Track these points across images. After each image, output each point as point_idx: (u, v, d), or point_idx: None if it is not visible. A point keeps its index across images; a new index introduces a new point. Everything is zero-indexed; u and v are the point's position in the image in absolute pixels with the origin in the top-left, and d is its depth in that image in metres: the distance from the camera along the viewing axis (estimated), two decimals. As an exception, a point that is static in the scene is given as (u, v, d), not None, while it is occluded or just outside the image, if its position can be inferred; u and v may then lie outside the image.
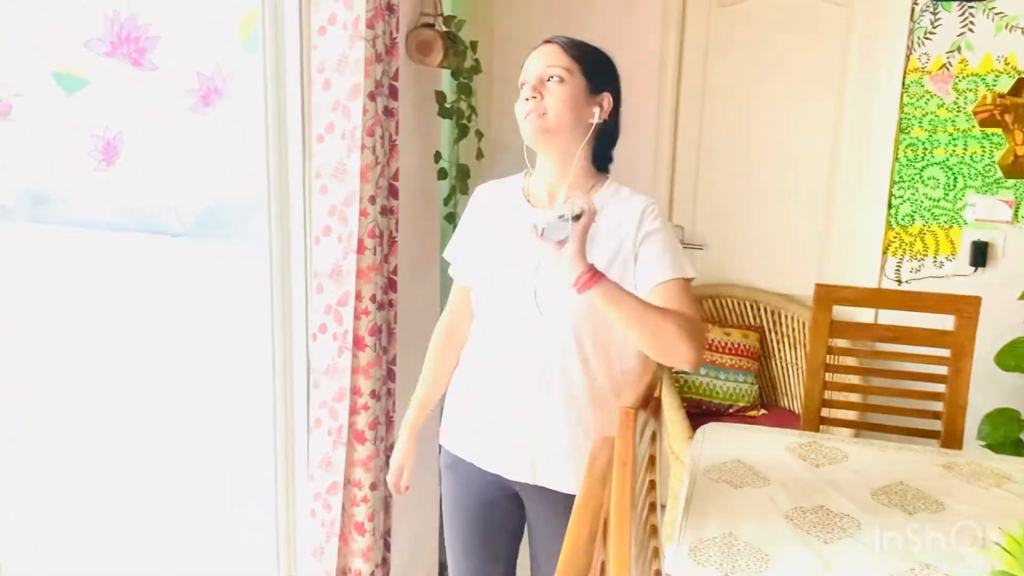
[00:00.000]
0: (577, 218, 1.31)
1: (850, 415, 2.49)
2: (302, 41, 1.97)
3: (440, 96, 2.38)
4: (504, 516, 1.72)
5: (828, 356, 2.25)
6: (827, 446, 2.00)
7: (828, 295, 2.21)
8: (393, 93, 2.04)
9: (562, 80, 1.51)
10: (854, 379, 2.53)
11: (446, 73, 2.49)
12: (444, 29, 2.24)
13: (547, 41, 1.57)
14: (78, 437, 2.38)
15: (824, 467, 1.89)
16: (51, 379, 2.38)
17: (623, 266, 1.51)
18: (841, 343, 2.44)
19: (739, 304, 3.12)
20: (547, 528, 1.65)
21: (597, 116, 1.54)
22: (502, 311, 1.61)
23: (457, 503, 1.74)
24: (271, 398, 2.11)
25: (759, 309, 3.09)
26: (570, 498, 1.53)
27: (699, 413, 2.90)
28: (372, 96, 1.94)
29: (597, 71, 1.56)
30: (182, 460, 2.37)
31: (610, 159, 1.64)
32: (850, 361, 2.61)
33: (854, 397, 2.54)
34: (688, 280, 1.51)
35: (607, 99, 1.56)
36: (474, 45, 2.46)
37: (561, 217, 1.31)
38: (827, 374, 2.26)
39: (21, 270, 2.39)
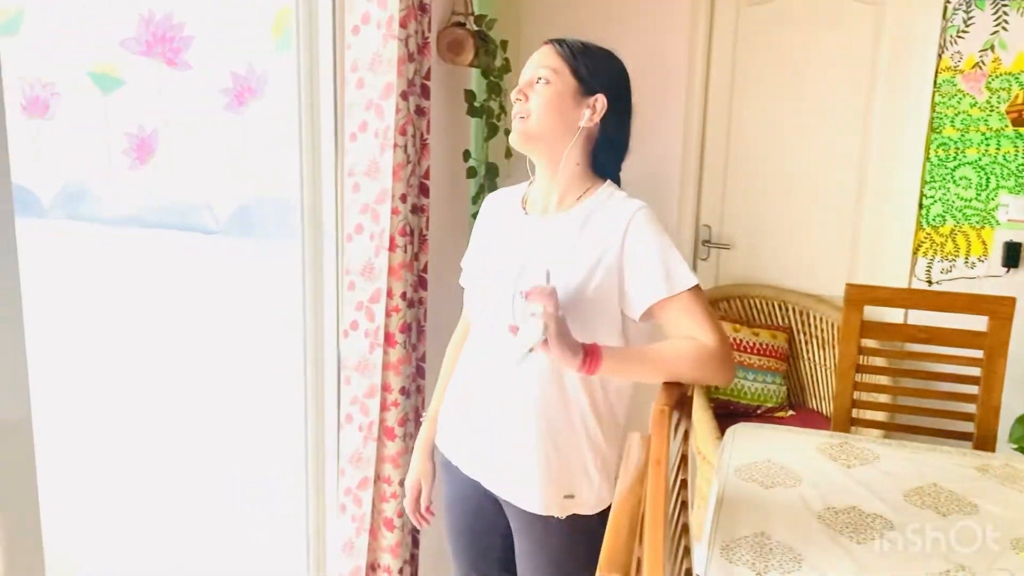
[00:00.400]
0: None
1: (880, 416, 2.47)
2: (335, 40, 1.99)
3: (470, 95, 2.39)
4: (492, 519, 1.64)
5: (859, 357, 2.23)
6: (858, 447, 1.98)
7: (860, 295, 2.20)
8: (425, 92, 2.05)
9: (548, 82, 1.46)
10: (884, 380, 2.51)
11: (474, 72, 2.50)
12: (475, 28, 2.25)
13: (546, 42, 1.52)
14: (111, 432, 2.41)
15: (855, 468, 1.88)
16: (84, 374, 2.41)
17: (606, 275, 1.43)
18: (871, 344, 2.42)
19: (767, 304, 3.10)
20: (524, 542, 1.59)
21: (587, 119, 1.47)
22: (482, 320, 1.58)
23: (449, 502, 1.70)
24: (302, 394, 2.13)
25: (787, 309, 3.07)
26: (543, 518, 1.52)
27: (726, 414, 2.89)
28: (404, 95, 1.95)
29: (591, 72, 1.47)
30: (213, 455, 2.40)
31: (616, 167, 1.56)
32: (880, 362, 2.59)
33: (883, 398, 2.52)
34: (689, 291, 1.41)
35: (600, 101, 1.47)
36: (504, 44, 2.46)
37: (533, 315, 1.31)
38: (857, 375, 2.25)
39: (57, 267, 2.42)
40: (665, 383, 1.42)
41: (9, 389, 1.24)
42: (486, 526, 1.66)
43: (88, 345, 2.42)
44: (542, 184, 1.54)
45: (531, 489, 1.52)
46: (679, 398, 1.41)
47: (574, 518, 1.53)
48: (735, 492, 1.77)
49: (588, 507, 1.54)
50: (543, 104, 1.45)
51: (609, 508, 1.54)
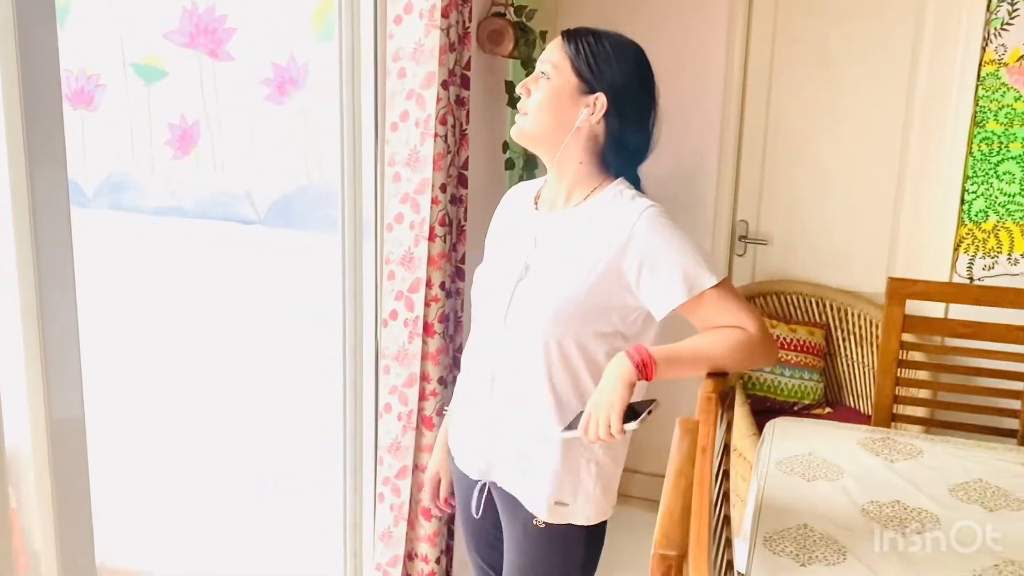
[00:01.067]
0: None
1: (921, 412, 2.44)
2: (376, 30, 2.00)
3: (509, 86, 2.39)
4: (487, 512, 1.62)
5: (900, 352, 2.21)
6: (901, 442, 1.96)
7: (902, 289, 2.17)
8: (465, 82, 2.06)
9: (548, 78, 1.41)
10: (923, 375, 2.48)
11: (511, 63, 2.50)
12: (515, 19, 2.25)
13: (560, 33, 1.47)
14: (146, 422, 2.44)
15: (898, 462, 1.86)
16: (125, 364, 2.45)
17: (606, 276, 1.39)
18: (912, 339, 2.39)
19: (804, 300, 3.07)
20: (507, 539, 1.58)
21: (583, 118, 1.40)
22: (481, 312, 1.56)
23: (456, 491, 1.71)
24: (341, 383, 2.14)
25: (825, 306, 3.04)
26: (523, 518, 1.52)
27: (763, 410, 2.87)
28: (445, 85, 1.95)
29: (594, 68, 1.39)
30: (251, 444, 2.42)
31: (629, 166, 1.48)
32: (919, 357, 2.55)
33: (923, 393, 2.49)
34: (714, 288, 1.36)
35: (599, 100, 1.39)
36: (543, 35, 2.46)
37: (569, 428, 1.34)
38: (899, 370, 2.23)
39: (100, 256, 2.46)
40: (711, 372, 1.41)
41: (65, 389, 1.26)
42: (488, 526, 1.65)
43: (129, 335, 2.45)
44: (552, 180, 1.52)
45: (521, 485, 1.51)
46: (724, 388, 1.40)
47: (553, 525, 1.50)
48: (776, 485, 1.75)
49: (580, 518, 1.50)
50: (539, 101, 1.41)
51: (602, 524, 1.54)
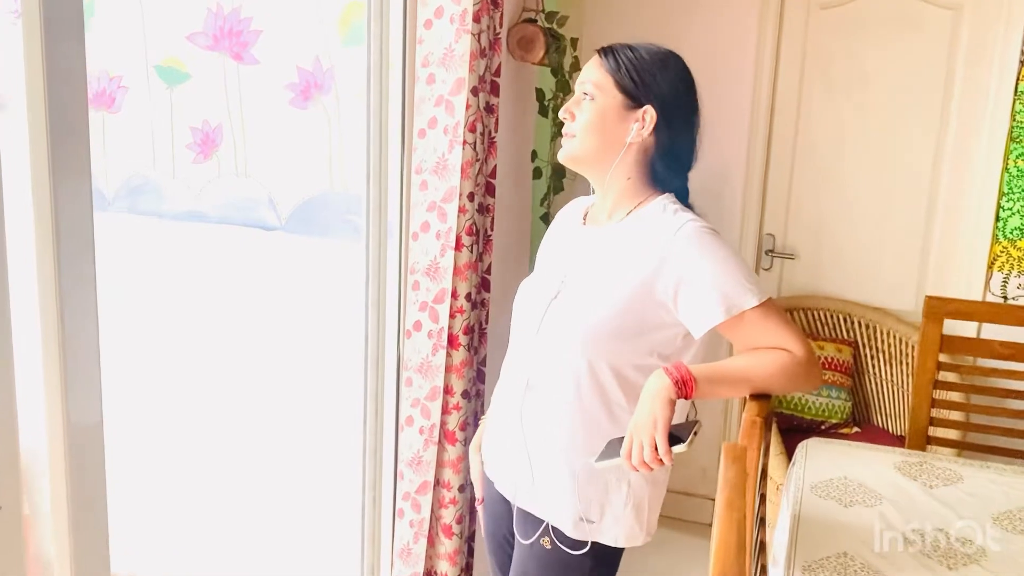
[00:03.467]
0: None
1: (953, 434, 2.37)
2: (406, 34, 1.96)
3: (540, 94, 2.34)
4: (509, 527, 1.57)
5: (937, 372, 2.14)
6: (938, 466, 1.90)
7: (940, 307, 2.11)
8: (495, 89, 2.01)
9: (592, 98, 1.39)
10: (955, 396, 2.42)
11: (540, 70, 2.45)
12: (546, 25, 2.21)
13: (596, 51, 1.44)
14: (166, 430, 2.40)
15: (938, 488, 1.79)
16: (142, 372, 2.41)
17: (641, 291, 1.34)
18: (947, 359, 2.33)
19: (832, 317, 3.01)
20: (516, 552, 1.54)
21: (634, 133, 1.37)
22: (517, 325, 1.52)
23: (485, 505, 1.67)
24: (362, 395, 2.09)
25: (853, 323, 2.98)
26: (536, 531, 1.46)
27: (789, 429, 2.81)
28: (475, 91, 1.91)
29: (638, 82, 1.37)
30: (269, 455, 2.37)
31: (678, 179, 1.45)
32: (952, 378, 2.49)
33: (955, 415, 2.42)
34: (755, 308, 1.30)
35: (649, 113, 1.37)
36: (574, 42, 2.42)
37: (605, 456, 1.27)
38: (935, 391, 2.16)
39: (119, 261, 2.42)
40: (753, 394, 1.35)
41: (84, 395, 1.22)
42: (505, 534, 1.61)
43: (149, 341, 2.42)
44: (599, 197, 1.49)
45: (543, 501, 1.46)
46: (768, 409, 1.34)
47: (560, 549, 1.44)
48: (812, 510, 1.69)
49: (607, 537, 1.44)
50: (586, 123, 1.39)
51: (616, 552, 1.47)
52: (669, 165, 1.42)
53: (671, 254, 1.33)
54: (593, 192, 1.55)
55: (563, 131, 1.44)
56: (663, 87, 1.38)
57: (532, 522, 1.48)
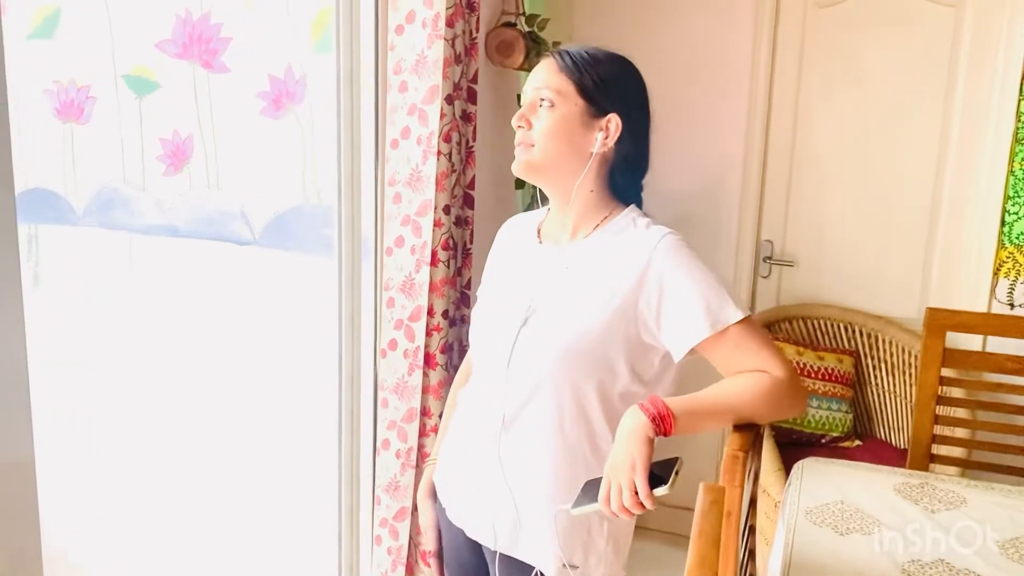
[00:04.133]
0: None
1: (956, 451, 2.27)
2: (377, 41, 1.87)
3: (521, 100, 2.25)
4: (477, 571, 1.48)
5: (939, 387, 2.05)
6: (941, 488, 1.80)
7: (942, 320, 2.02)
8: (472, 96, 1.92)
9: (552, 105, 1.28)
10: (960, 412, 2.32)
11: (523, 75, 2.36)
12: (526, 29, 2.12)
13: (547, 54, 1.33)
14: (134, 448, 2.32)
15: (940, 512, 1.70)
16: (111, 391, 2.34)
17: (621, 311, 1.26)
18: (951, 373, 2.23)
19: (832, 326, 2.91)
20: None
21: (599, 143, 1.29)
22: (484, 358, 1.41)
23: (445, 550, 1.55)
24: (336, 417, 2.00)
25: (854, 332, 2.88)
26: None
27: (788, 443, 2.71)
28: (450, 99, 1.82)
29: (601, 89, 1.28)
30: (240, 478, 2.29)
31: (637, 189, 1.38)
32: (956, 393, 2.39)
33: (959, 432, 2.32)
34: (738, 324, 1.23)
35: (614, 121, 1.28)
36: (556, 46, 2.32)
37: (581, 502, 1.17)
38: (937, 407, 2.07)
39: (88, 275, 2.35)
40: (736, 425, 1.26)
41: (11, 431, 1.13)
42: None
43: (119, 360, 2.34)
44: (555, 212, 1.39)
45: (525, 545, 1.36)
46: (752, 438, 1.25)
47: None
48: (807, 538, 1.60)
49: None
50: (548, 131, 1.28)
51: None
52: (629, 175, 1.34)
53: (651, 269, 1.25)
54: (539, 207, 1.46)
55: (517, 140, 1.33)
56: (626, 94, 1.30)
57: (518, 568, 1.38)
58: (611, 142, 1.29)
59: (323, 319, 2.03)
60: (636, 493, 1.10)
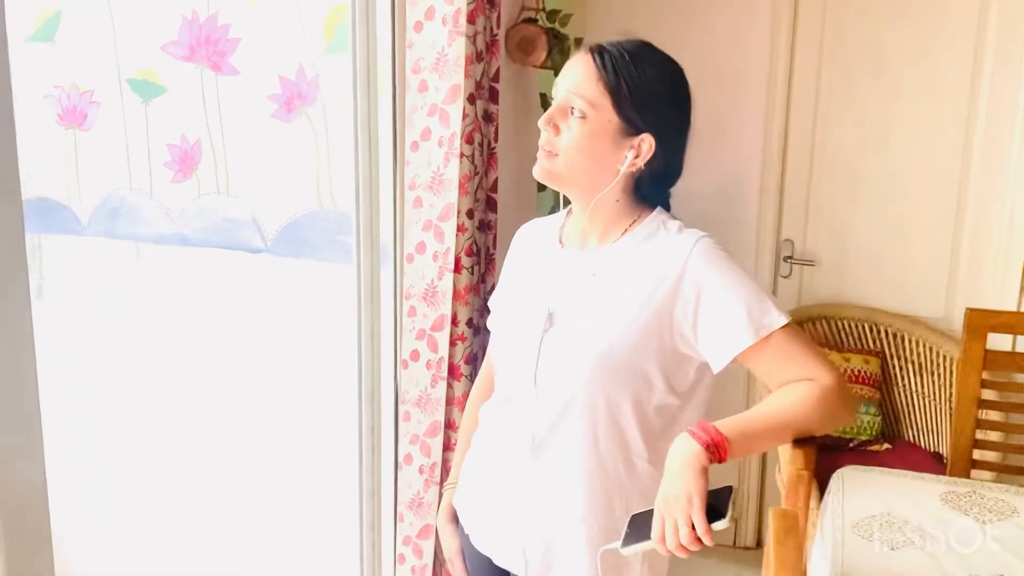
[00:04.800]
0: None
1: (990, 456, 2.20)
2: (394, 38, 1.79)
3: (543, 99, 2.17)
4: None
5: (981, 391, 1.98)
6: (989, 497, 1.72)
7: (983, 321, 1.95)
8: (493, 96, 1.85)
9: (584, 116, 1.18)
10: (994, 415, 2.25)
11: (542, 73, 2.28)
12: (547, 25, 2.04)
13: (587, 51, 1.22)
14: (143, 466, 2.25)
15: (991, 524, 1.62)
16: (120, 406, 2.26)
17: (655, 319, 1.19)
18: (986, 376, 2.15)
19: (857, 326, 2.84)
20: None
21: (628, 162, 1.20)
22: (506, 369, 1.34)
23: (471, 570, 1.47)
24: (357, 431, 1.93)
25: (879, 332, 2.81)
26: None
27: (815, 447, 2.63)
28: (472, 99, 1.75)
29: (638, 104, 1.18)
30: (258, 496, 2.22)
31: (665, 195, 1.30)
32: (991, 395, 2.31)
33: (993, 436, 2.25)
34: (781, 330, 1.16)
35: (647, 142, 1.19)
36: (579, 42, 2.25)
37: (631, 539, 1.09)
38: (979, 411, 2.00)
39: (94, 286, 2.27)
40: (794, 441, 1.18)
41: (23, 456, 1.06)
42: None
43: (126, 375, 2.27)
44: (579, 217, 1.30)
45: (563, 572, 1.29)
46: (814, 454, 1.18)
47: None
48: (857, 554, 1.52)
49: None
50: (574, 145, 1.20)
51: None
52: (657, 184, 1.26)
53: (687, 274, 1.18)
54: (560, 209, 1.39)
55: (541, 143, 1.23)
56: (666, 112, 1.21)
57: None
58: (641, 162, 1.21)
59: (341, 330, 1.95)
60: (693, 528, 1.02)
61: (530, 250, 1.40)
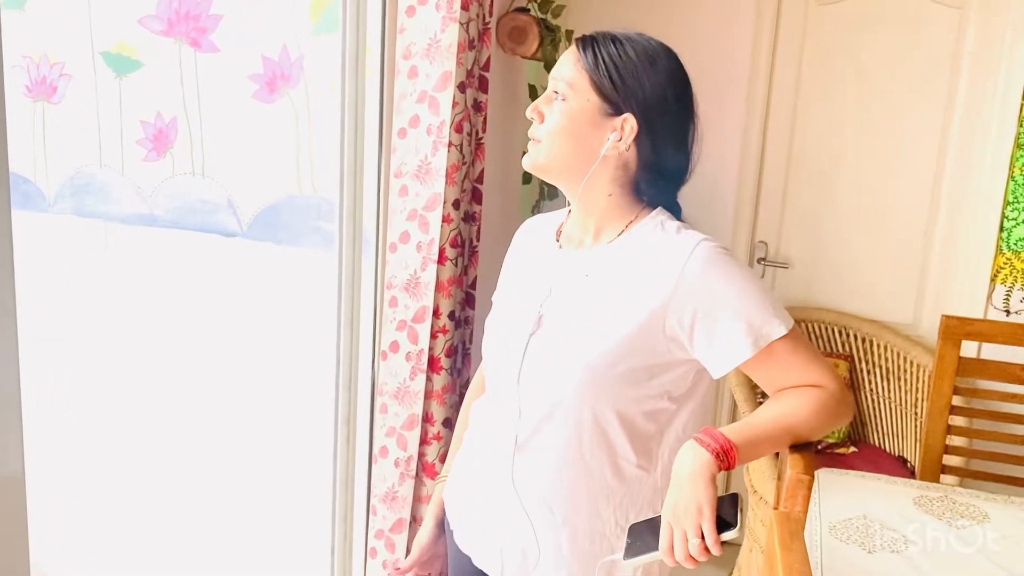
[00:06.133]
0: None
1: (955, 461, 2.23)
2: (385, 22, 1.75)
3: (532, 91, 2.15)
4: None
5: (953, 397, 2.00)
6: (961, 502, 1.75)
7: (958, 328, 1.97)
8: (483, 85, 1.82)
9: (564, 99, 1.17)
10: (960, 421, 2.28)
11: (530, 64, 2.26)
12: (539, 15, 2.02)
13: (575, 41, 1.21)
14: (111, 458, 2.19)
15: (964, 529, 1.65)
16: (84, 397, 2.20)
17: (650, 324, 1.14)
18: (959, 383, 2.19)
19: (827, 330, 2.87)
20: None
21: (610, 144, 1.16)
22: (495, 367, 1.31)
23: (451, 568, 1.44)
24: (332, 423, 1.89)
25: (849, 336, 2.84)
26: None
27: (813, 451, 2.65)
28: (463, 87, 1.72)
29: (619, 86, 1.15)
30: (226, 484, 2.17)
31: (668, 193, 1.25)
32: (961, 402, 2.35)
33: (958, 441, 2.28)
34: (782, 339, 1.13)
35: (628, 122, 1.15)
36: (570, 34, 2.23)
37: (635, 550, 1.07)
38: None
39: (59, 268, 2.20)
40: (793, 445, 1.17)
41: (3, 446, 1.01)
42: None
43: (96, 359, 2.20)
44: (577, 214, 1.26)
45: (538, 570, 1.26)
46: (813, 457, 1.17)
47: None
48: (835, 557, 1.53)
49: None
50: (553, 128, 1.17)
51: None
52: (654, 181, 1.21)
53: (684, 280, 1.13)
54: (545, 204, 1.35)
55: (529, 133, 1.21)
56: (648, 92, 1.16)
57: None
58: (623, 145, 1.16)
59: (318, 318, 1.91)
60: (702, 538, 1.00)
61: (529, 248, 1.37)
